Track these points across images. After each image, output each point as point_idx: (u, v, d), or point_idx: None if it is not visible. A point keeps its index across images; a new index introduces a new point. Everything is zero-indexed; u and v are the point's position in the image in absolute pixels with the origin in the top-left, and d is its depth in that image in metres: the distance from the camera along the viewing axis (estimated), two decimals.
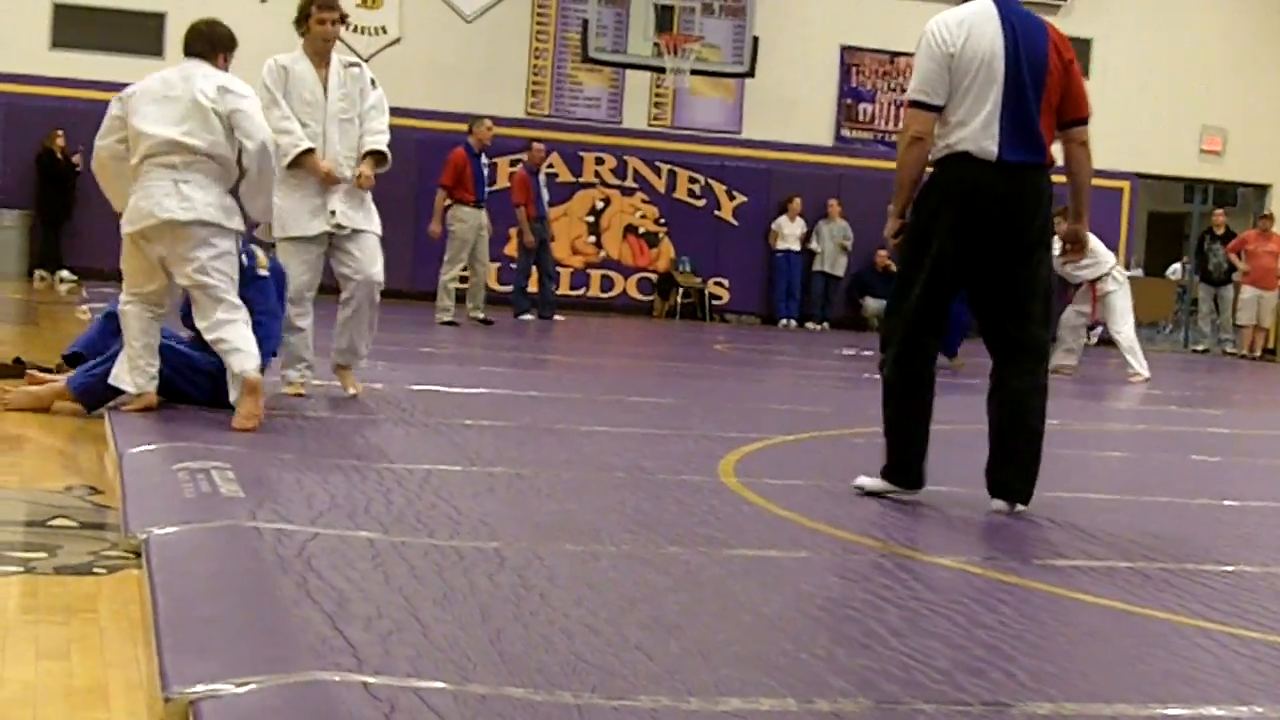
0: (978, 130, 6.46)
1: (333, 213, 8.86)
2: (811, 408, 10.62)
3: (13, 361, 9.21)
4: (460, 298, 18.53)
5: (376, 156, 8.98)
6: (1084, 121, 6.68)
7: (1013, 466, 6.64)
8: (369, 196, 9.05)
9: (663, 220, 24.25)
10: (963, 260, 6.56)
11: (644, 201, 24.09)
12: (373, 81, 9.10)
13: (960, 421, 8.90)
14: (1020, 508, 6.61)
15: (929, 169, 6.66)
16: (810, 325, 23.71)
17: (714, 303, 24.32)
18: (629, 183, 23.96)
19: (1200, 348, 24.89)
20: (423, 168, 22.52)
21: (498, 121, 20.00)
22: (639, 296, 24.21)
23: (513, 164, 21.64)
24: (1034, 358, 6.67)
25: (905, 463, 6.77)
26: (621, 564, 5.01)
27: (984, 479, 6.73)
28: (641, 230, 24.16)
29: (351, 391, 9.08)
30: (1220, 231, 24.60)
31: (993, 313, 6.68)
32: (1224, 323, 24.78)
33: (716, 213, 24.32)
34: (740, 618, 4.37)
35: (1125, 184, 25.39)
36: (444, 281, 18.23)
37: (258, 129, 7.74)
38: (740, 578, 4.91)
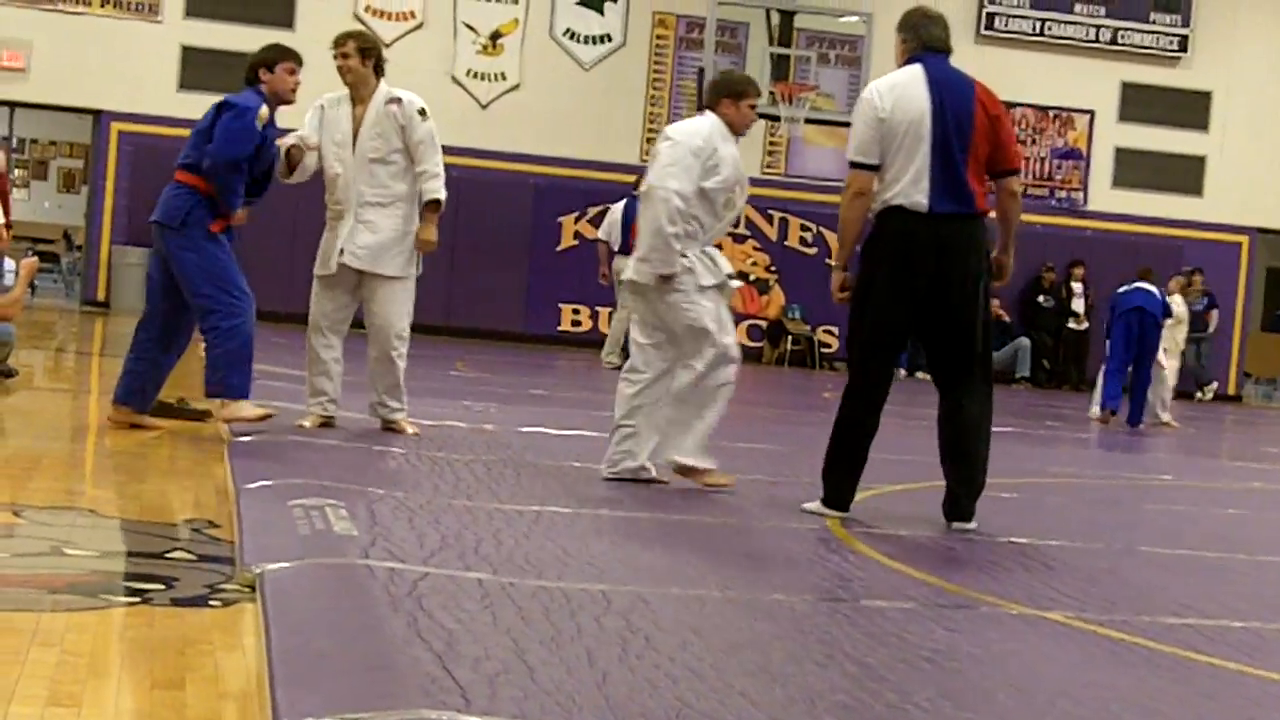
0: (909, 185, 7.05)
1: (340, 251, 8.94)
2: (919, 457, 10.55)
3: (176, 403, 9.29)
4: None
5: (434, 205, 8.94)
6: (1013, 171, 7.30)
7: (968, 491, 7.19)
8: (399, 238, 8.97)
9: (774, 268, 24.25)
10: (903, 305, 7.15)
11: (755, 249, 24.11)
12: (422, 112, 8.92)
13: (1080, 475, 8.85)
14: (971, 525, 7.15)
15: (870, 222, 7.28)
16: (920, 374, 23.56)
17: (823, 350, 24.28)
18: (741, 230, 23.97)
19: None
20: (538, 212, 22.71)
21: (612, 168, 20.09)
22: (749, 343, 24.20)
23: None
24: (984, 380, 7.25)
25: (840, 491, 7.27)
26: (727, 610, 5.02)
27: (946, 507, 7.28)
28: (753, 277, 24.17)
29: (411, 431, 9.11)
30: None
31: (939, 347, 7.31)
32: None
33: (828, 261, 24.26)
34: (845, 667, 4.37)
35: (1244, 239, 25.13)
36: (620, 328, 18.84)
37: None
38: (845, 627, 4.91)
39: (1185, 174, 24.97)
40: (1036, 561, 6.57)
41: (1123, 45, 24.58)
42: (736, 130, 7.98)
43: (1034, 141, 24.46)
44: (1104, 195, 24.60)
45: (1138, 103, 24.72)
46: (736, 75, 8.47)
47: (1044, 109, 24.48)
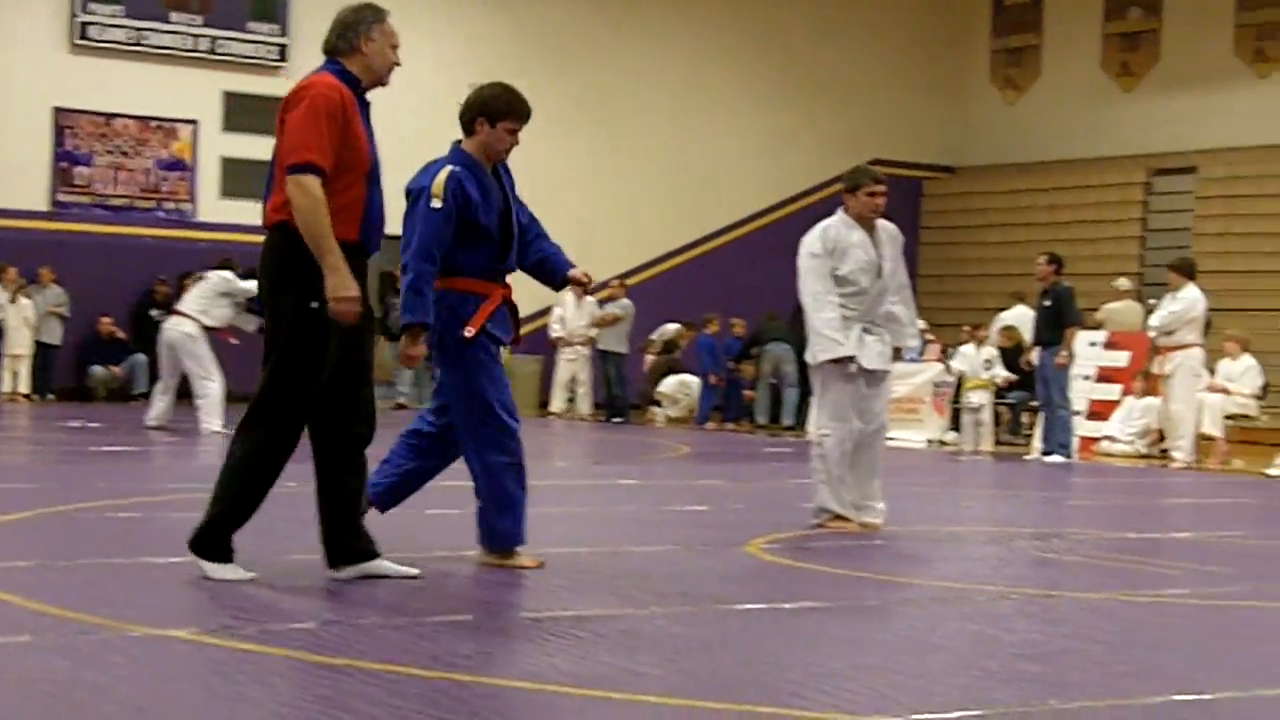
0: None
1: None
2: (33, 484, 10.16)
3: None
4: None
5: None
6: (289, 169, 6.76)
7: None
8: None
9: None
10: None
11: None
12: None
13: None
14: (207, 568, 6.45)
15: None
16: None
17: None
18: None
19: None
20: None
21: None
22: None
23: None
24: (258, 415, 6.44)
25: None
26: None
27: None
28: None
29: None
30: None
31: None
32: None
33: None
34: None
35: None
36: None
37: None
38: None
39: None
40: (165, 581, 6.46)
41: (222, 55, 24.61)
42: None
43: (138, 153, 24.02)
44: (213, 206, 24.55)
45: (241, 111, 24.75)
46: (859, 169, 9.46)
47: (146, 120, 24.07)
